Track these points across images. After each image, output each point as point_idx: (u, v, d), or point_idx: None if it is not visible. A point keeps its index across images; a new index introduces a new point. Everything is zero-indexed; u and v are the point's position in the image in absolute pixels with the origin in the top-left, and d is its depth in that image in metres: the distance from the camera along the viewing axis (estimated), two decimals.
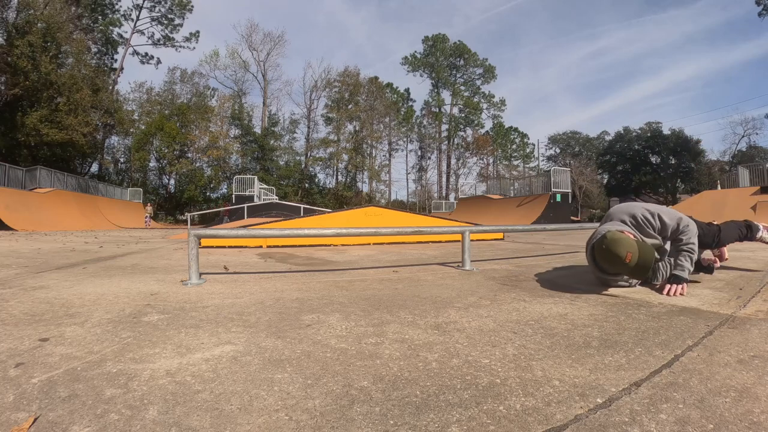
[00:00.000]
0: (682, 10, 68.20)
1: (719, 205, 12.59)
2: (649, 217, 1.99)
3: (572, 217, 22.23)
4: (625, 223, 2.00)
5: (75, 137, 20.51)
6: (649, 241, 1.89)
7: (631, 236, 1.84)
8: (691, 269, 1.96)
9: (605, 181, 46.17)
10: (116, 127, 27.59)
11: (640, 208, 2.04)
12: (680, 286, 1.83)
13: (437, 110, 44.87)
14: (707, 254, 2.50)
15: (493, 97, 45.96)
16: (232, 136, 33.12)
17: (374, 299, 1.76)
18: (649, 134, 42.98)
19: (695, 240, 1.99)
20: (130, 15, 31.72)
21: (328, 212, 8.69)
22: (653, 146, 42.18)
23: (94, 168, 28.58)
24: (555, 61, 77.82)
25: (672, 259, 1.99)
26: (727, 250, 2.62)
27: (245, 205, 15.06)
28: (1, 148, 19.40)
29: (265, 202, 17.58)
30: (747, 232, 2.38)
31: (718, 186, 15.33)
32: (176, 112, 30.83)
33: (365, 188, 39.06)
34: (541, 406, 0.76)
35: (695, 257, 1.98)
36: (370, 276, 2.48)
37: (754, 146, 39.30)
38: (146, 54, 33.14)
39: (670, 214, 2.01)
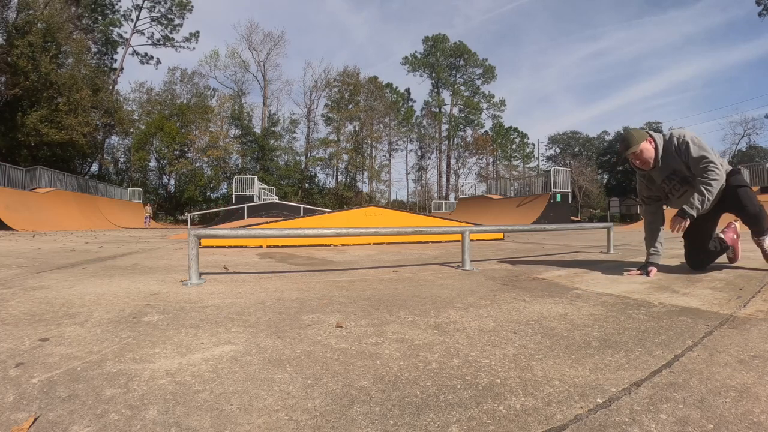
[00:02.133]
0: (682, 11, 68.34)
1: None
2: (676, 142, 2.18)
3: (572, 217, 22.23)
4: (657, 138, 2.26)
5: (75, 137, 20.52)
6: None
7: (646, 138, 2.22)
8: (701, 209, 2.08)
9: (605, 181, 46.16)
10: (116, 127, 27.59)
11: (679, 133, 2.21)
12: (684, 222, 2.06)
13: (437, 110, 44.89)
14: (731, 238, 2.56)
15: (493, 97, 46.04)
16: (232, 136, 33.16)
17: (374, 299, 1.76)
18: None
19: (715, 184, 2.07)
20: (130, 15, 31.80)
21: (328, 212, 8.69)
22: None
23: (94, 168, 28.62)
24: (555, 61, 78.09)
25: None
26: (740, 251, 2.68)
27: (245, 205, 15.06)
28: (1, 148, 19.41)
29: (265, 202, 17.58)
30: None
31: None
32: (176, 112, 30.84)
33: (365, 188, 39.10)
34: (541, 406, 0.76)
35: (709, 198, 2.08)
36: (370, 276, 2.48)
37: (754, 146, 39.32)
38: (146, 54, 33.22)
39: (700, 147, 2.13)
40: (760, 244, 2.28)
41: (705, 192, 2.07)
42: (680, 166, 2.20)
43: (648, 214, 2.51)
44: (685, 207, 2.10)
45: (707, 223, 2.44)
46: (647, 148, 2.22)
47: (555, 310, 1.52)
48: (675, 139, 2.19)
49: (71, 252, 4.28)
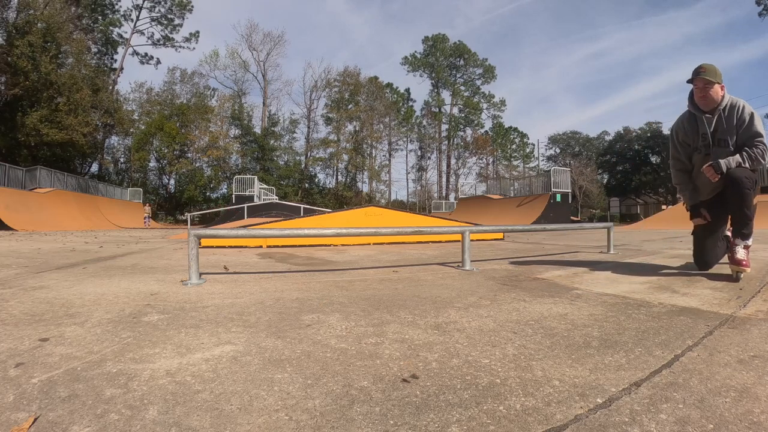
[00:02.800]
0: (682, 12, 68.26)
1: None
2: (740, 109, 2.14)
3: (572, 217, 22.23)
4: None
5: (75, 137, 20.50)
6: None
7: (722, 83, 2.14)
8: (732, 167, 2.09)
9: (605, 181, 46.14)
10: (116, 127, 27.57)
11: (744, 103, 2.17)
12: (717, 173, 2.09)
13: (437, 110, 44.88)
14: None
15: (493, 97, 46.02)
16: (232, 136, 33.14)
17: (374, 299, 1.76)
18: (649, 134, 42.95)
19: (756, 163, 2.08)
20: (130, 15, 31.77)
21: (328, 212, 8.69)
22: (653, 146, 42.13)
23: (94, 168, 28.60)
24: (556, 61, 78.00)
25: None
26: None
27: (245, 205, 15.05)
28: (1, 148, 19.40)
29: (265, 202, 17.58)
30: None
31: None
32: (176, 112, 30.82)
33: (365, 188, 39.09)
34: (541, 406, 0.76)
35: (747, 165, 2.10)
36: (370, 276, 2.48)
37: None
38: (146, 54, 33.19)
39: (761, 125, 2.14)
40: (733, 248, 2.21)
41: (746, 160, 2.09)
42: (731, 131, 2.17)
43: (678, 162, 2.43)
44: (721, 161, 2.09)
45: (717, 223, 2.41)
46: (717, 91, 2.14)
47: (555, 310, 1.52)
48: (740, 106, 2.15)
49: (71, 252, 4.28)
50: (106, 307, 1.58)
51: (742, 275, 2.15)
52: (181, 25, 33.22)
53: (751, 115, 2.12)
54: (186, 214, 21.60)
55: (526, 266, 2.91)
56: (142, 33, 32.58)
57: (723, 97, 2.16)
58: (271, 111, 36.54)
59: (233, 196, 19.67)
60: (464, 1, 71.75)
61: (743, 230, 2.20)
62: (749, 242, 2.21)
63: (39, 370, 0.93)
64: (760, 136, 2.11)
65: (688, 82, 2.20)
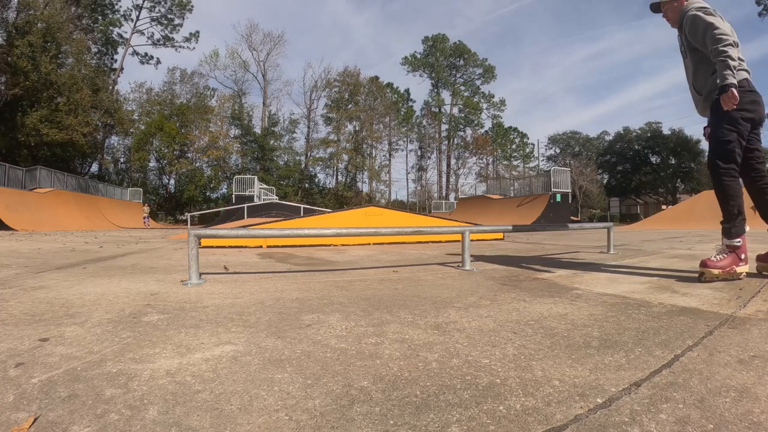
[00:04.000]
0: None
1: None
2: (689, 18, 2.04)
3: (572, 217, 22.24)
4: None
5: (75, 137, 20.50)
6: None
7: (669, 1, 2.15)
8: (729, 74, 1.88)
9: (605, 181, 46.15)
10: (116, 127, 27.58)
11: (688, 8, 2.08)
12: (727, 94, 1.88)
13: (437, 110, 44.89)
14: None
15: (493, 97, 46.05)
16: (232, 136, 33.16)
17: (374, 299, 1.76)
18: (649, 134, 42.98)
19: (724, 47, 1.89)
20: (130, 15, 31.78)
21: (328, 212, 8.69)
22: (653, 146, 42.18)
23: (94, 168, 28.62)
24: (556, 61, 78.12)
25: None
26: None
27: (245, 205, 15.05)
28: (1, 148, 19.40)
29: (265, 202, 17.57)
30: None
31: None
32: (176, 112, 30.83)
33: (365, 188, 39.10)
34: (541, 406, 0.76)
35: (733, 63, 1.89)
36: (370, 276, 2.48)
37: None
38: (146, 54, 33.21)
39: (705, 15, 2.00)
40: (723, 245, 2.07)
41: (724, 65, 1.90)
42: (685, 37, 2.09)
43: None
44: (719, 83, 1.93)
45: None
46: (673, 9, 2.13)
47: (555, 310, 1.52)
48: (688, 14, 2.05)
49: (71, 252, 4.28)
50: (106, 307, 1.58)
51: (705, 277, 2.04)
52: (181, 25, 33.26)
53: (693, 17, 2.02)
54: (186, 214, 21.58)
55: (526, 266, 2.91)
56: (142, 33, 32.61)
57: (684, 11, 2.12)
58: (271, 111, 36.58)
59: (233, 196, 19.66)
60: (464, 1, 71.96)
61: (724, 223, 2.09)
62: (736, 242, 2.05)
63: (39, 370, 0.93)
64: (712, 27, 1.95)
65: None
